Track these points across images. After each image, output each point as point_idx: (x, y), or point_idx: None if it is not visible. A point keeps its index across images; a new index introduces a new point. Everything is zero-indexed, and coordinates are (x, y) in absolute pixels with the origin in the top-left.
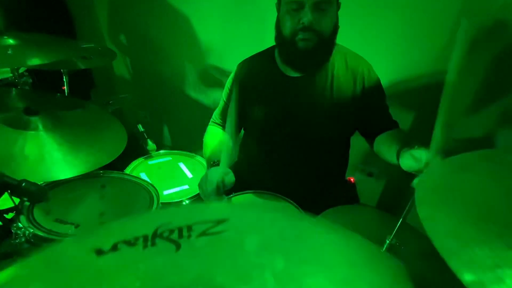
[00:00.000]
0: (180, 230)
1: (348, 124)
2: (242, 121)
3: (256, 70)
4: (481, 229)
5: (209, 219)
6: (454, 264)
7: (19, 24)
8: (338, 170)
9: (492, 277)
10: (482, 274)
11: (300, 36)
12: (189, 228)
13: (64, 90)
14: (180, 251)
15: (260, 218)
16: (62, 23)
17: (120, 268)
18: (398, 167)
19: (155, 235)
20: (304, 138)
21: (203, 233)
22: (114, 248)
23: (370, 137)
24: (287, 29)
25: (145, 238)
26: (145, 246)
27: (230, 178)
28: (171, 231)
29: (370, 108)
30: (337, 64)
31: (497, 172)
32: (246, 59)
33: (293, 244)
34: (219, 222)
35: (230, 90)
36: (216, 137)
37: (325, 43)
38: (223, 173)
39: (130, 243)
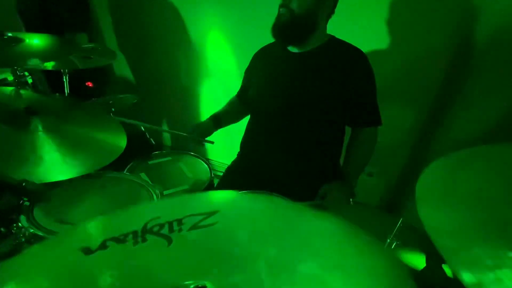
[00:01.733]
0: (171, 224)
1: (333, 107)
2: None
3: (269, 49)
4: (482, 229)
5: (200, 212)
6: (453, 264)
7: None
8: (331, 158)
9: (491, 277)
10: (481, 274)
11: (279, 11)
12: (180, 222)
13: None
14: (172, 245)
15: (250, 208)
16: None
17: (111, 266)
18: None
19: (144, 230)
20: (297, 114)
21: (194, 226)
22: (103, 246)
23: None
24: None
25: (135, 234)
26: (135, 243)
27: (204, 129)
28: (161, 226)
29: (352, 99)
30: (334, 50)
31: (497, 170)
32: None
33: (284, 232)
34: (210, 214)
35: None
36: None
37: (297, 21)
38: (200, 124)
39: (119, 240)
